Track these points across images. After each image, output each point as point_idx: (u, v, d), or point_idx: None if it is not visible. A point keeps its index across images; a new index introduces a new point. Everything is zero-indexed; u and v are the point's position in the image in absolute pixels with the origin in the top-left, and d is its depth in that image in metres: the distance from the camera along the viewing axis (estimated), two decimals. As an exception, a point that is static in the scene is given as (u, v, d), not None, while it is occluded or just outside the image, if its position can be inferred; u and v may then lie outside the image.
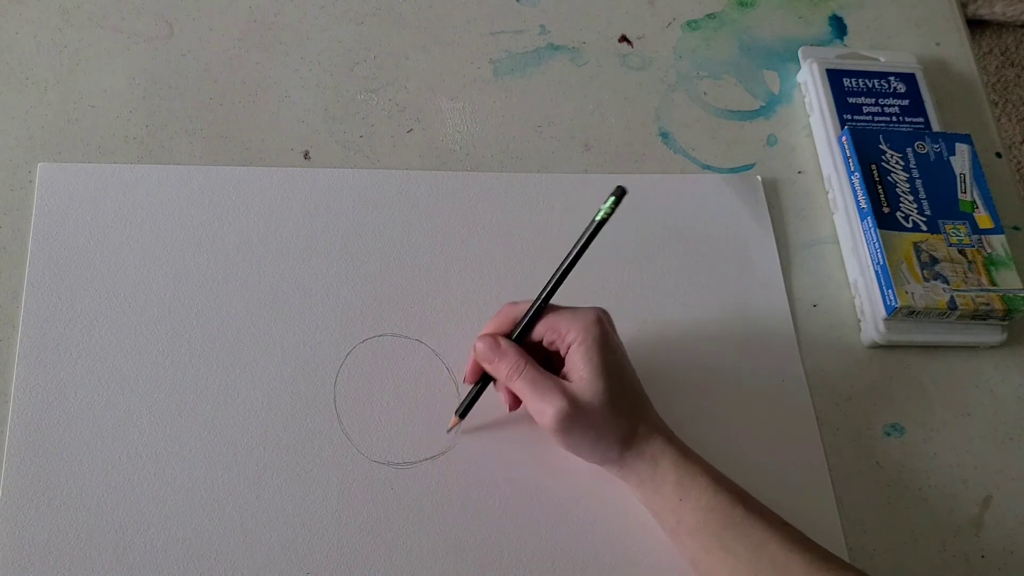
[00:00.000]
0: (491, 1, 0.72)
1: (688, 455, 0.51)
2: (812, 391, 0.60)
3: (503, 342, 0.52)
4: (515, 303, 0.53)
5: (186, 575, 0.50)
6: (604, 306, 0.53)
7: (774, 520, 0.49)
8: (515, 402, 0.54)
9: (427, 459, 0.55)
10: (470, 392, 0.55)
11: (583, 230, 0.52)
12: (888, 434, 0.60)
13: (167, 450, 0.53)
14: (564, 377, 0.51)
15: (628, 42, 0.72)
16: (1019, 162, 1.64)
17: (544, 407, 0.50)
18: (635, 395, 0.52)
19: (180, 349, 0.56)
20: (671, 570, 0.54)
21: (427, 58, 0.69)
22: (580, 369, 0.50)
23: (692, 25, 0.74)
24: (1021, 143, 1.66)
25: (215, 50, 0.67)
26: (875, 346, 0.62)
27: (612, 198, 0.51)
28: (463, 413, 0.55)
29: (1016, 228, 0.68)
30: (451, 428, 0.55)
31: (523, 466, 0.56)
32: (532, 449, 0.56)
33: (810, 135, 0.70)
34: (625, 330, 0.59)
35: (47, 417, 0.53)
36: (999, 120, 1.66)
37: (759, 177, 0.67)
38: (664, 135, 0.68)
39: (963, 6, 0.75)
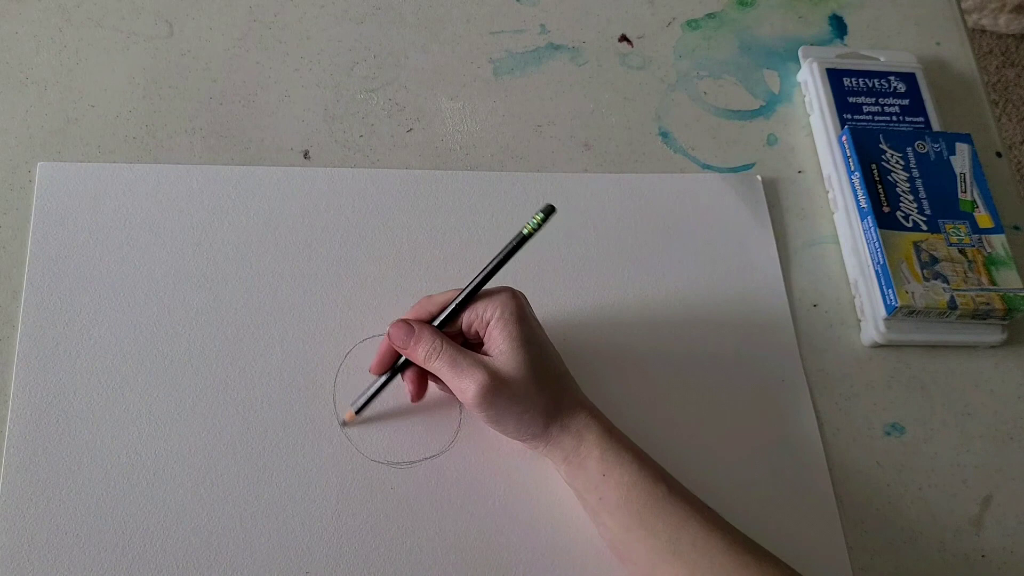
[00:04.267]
0: (491, 1, 0.72)
1: (613, 431, 0.51)
2: (812, 391, 0.60)
3: (417, 325, 0.52)
4: (431, 296, 0.53)
5: (185, 574, 0.51)
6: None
7: (695, 501, 0.49)
8: (418, 391, 0.54)
9: (427, 459, 0.55)
10: (373, 384, 0.54)
11: (509, 241, 0.52)
12: (888, 434, 0.60)
13: (166, 449, 0.53)
14: (485, 355, 0.51)
15: (628, 41, 0.72)
16: (1019, 162, 1.64)
17: (466, 383, 0.49)
18: (557, 368, 0.52)
19: (179, 348, 0.56)
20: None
21: (427, 58, 0.69)
22: (500, 343, 0.50)
23: (692, 25, 0.74)
24: (1021, 143, 1.66)
25: (215, 49, 0.67)
26: (875, 346, 0.62)
27: (540, 215, 0.50)
28: (360, 408, 0.54)
29: (1016, 228, 0.68)
30: (346, 423, 0.55)
31: (523, 466, 0.56)
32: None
33: (810, 134, 0.70)
34: (624, 329, 0.59)
35: (46, 416, 0.53)
36: (999, 120, 1.66)
37: (759, 176, 0.67)
38: (664, 134, 0.68)
39: (965, 14, 0.75)
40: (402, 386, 0.56)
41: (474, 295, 0.52)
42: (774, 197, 0.67)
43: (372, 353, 0.57)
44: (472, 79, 0.69)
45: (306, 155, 0.64)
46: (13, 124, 0.62)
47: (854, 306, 0.63)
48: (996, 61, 1.72)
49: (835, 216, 0.66)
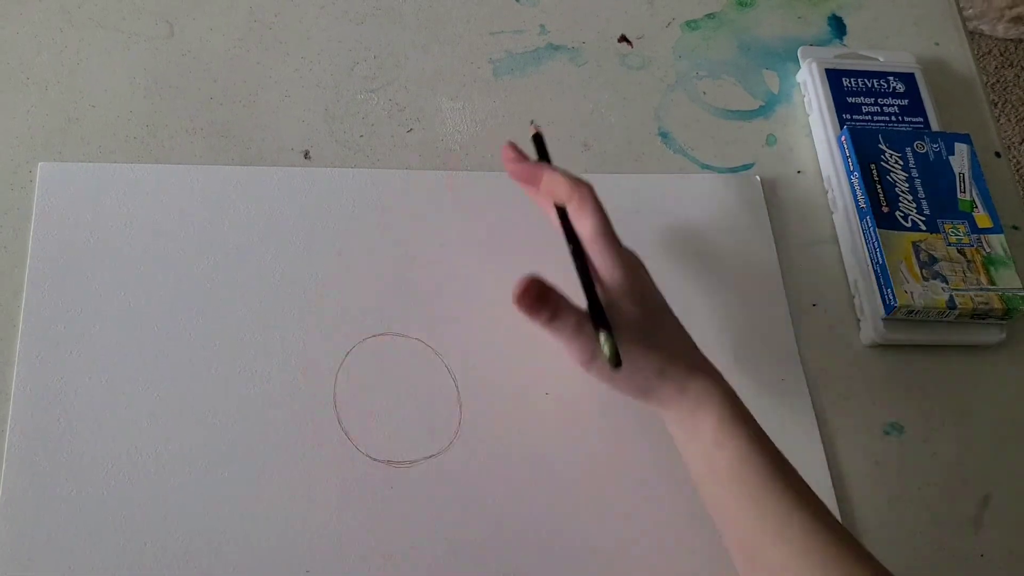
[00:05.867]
0: (491, 1, 0.72)
1: (735, 402, 0.50)
2: (811, 390, 0.60)
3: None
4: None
5: (185, 573, 0.51)
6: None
7: (806, 489, 0.49)
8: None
9: (427, 458, 0.55)
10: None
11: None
12: (887, 433, 0.60)
13: (167, 449, 0.53)
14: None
15: (628, 42, 0.72)
16: (1018, 162, 1.64)
17: (578, 346, 0.49)
18: (676, 331, 0.52)
19: (180, 348, 0.56)
20: (670, 570, 0.54)
21: (427, 58, 0.69)
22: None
23: (691, 25, 0.74)
24: (1020, 143, 1.66)
25: (215, 50, 0.67)
26: (874, 345, 0.62)
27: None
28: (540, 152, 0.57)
29: (1015, 228, 0.68)
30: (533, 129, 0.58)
31: (523, 465, 0.56)
32: (532, 448, 0.56)
33: (809, 135, 0.70)
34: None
35: (47, 416, 0.53)
36: (998, 120, 1.67)
37: (758, 177, 0.67)
38: (663, 135, 0.68)
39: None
40: (404, 386, 0.56)
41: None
42: (773, 197, 0.67)
43: (373, 352, 0.57)
44: (472, 79, 0.69)
45: (306, 155, 0.64)
46: (14, 124, 0.62)
47: (853, 306, 0.64)
48: (995, 61, 1.73)
49: (834, 216, 0.66)
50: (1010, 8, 1.67)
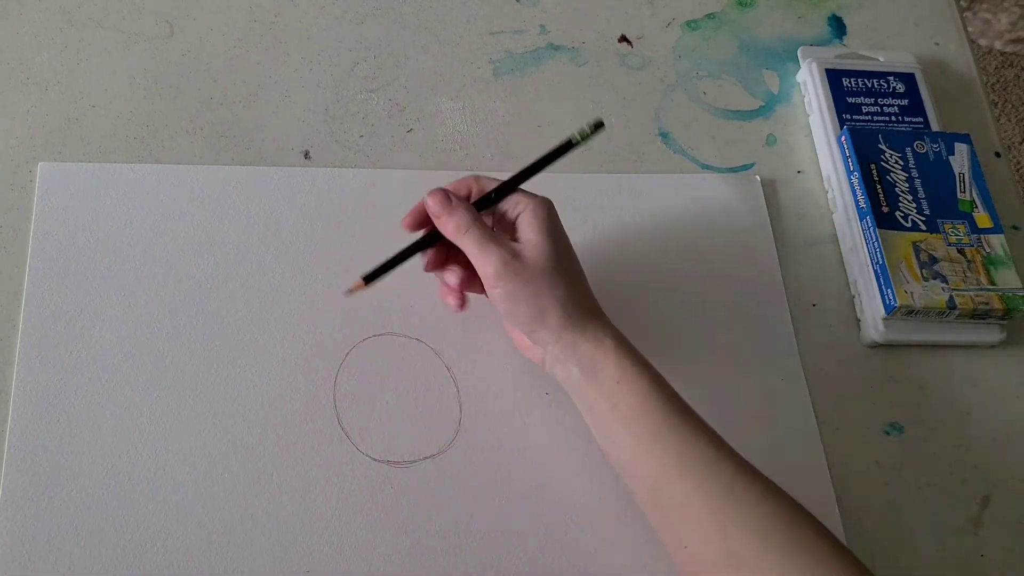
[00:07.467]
0: (491, 1, 0.72)
1: (628, 343, 0.52)
2: (811, 390, 0.60)
3: (455, 198, 0.52)
4: (478, 177, 0.55)
5: (186, 573, 0.51)
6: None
7: (703, 422, 0.50)
8: (460, 298, 0.55)
9: (426, 458, 0.55)
10: (396, 255, 0.54)
11: (557, 145, 0.55)
12: (887, 433, 0.60)
13: (167, 449, 0.53)
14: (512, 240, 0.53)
15: (628, 42, 0.72)
16: (1018, 162, 1.64)
17: (489, 258, 0.50)
18: (579, 274, 0.53)
19: (180, 348, 0.56)
20: (670, 568, 0.54)
21: (427, 58, 0.69)
22: (527, 232, 0.52)
23: (691, 25, 0.74)
24: (1020, 143, 1.66)
25: (215, 50, 0.67)
26: (874, 345, 0.62)
27: (590, 127, 0.54)
28: (372, 276, 0.54)
29: (1015, 228, 0.68)
30: (352, 291, 0.54)
31: (523, 465, 0.56)
32: (532, 448, 0.56)
33: (809, 135, 0.70)
34: (623, 330, 0.59)
35: (47, 416, 0.53)
36: (998, 120, 1.67)
37: (758, 177, 0.67)
38: (664, 135, 0.69)
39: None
40: (404, 385, 0.56)
41: (512, 188, 0.54)
42: (773, 197, 0.67)
43: (372, 352, 0.57)
44: (472, 79, 0.69)
45: (306, 155, 0.64)
46: (14, 124, 0.62)
47: (853, 306, 0.64)
48: (995, 61, 1.73)
49: (834, 216, 0.66)
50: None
